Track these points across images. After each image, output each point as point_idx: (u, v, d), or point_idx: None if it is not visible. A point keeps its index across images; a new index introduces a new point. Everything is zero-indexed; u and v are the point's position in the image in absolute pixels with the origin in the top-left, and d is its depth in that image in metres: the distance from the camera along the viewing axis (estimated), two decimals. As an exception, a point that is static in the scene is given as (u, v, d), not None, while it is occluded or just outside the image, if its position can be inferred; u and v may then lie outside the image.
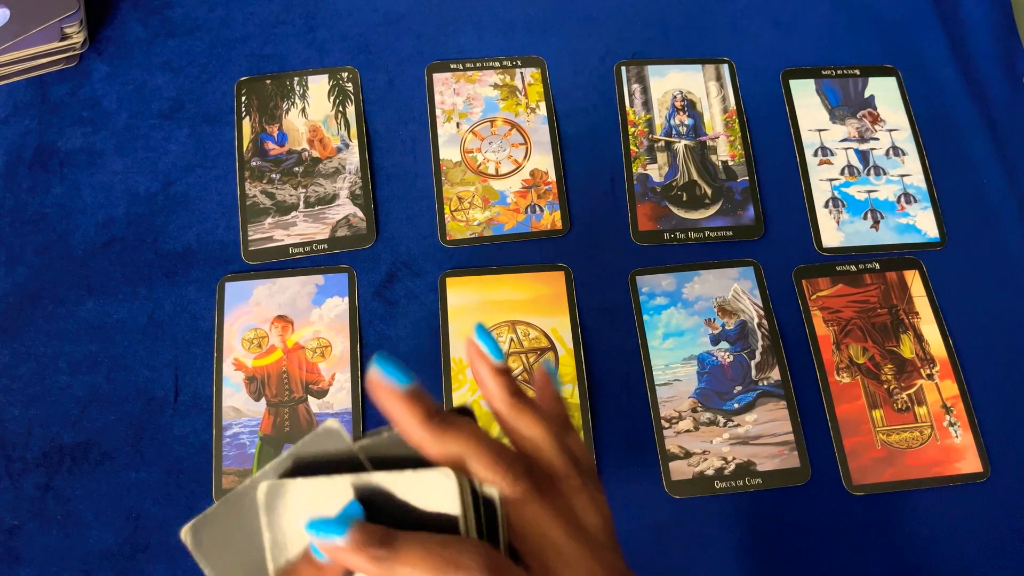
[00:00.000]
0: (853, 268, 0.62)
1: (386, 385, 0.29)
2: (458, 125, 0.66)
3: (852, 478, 0.56)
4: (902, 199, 0.65)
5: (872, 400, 0.58)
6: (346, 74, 0.67)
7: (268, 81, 0.66)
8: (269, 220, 0.62)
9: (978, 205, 0.65)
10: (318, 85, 0.66)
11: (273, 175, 0.63)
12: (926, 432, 0.57)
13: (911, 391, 0.58)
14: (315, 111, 0.66)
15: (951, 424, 0.57)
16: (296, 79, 0.66)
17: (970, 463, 0.56)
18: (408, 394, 0.28)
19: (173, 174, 0.63)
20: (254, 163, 0.63)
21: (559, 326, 0.59)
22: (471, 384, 0.57)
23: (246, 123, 0.65)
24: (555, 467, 0.30)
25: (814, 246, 0.63)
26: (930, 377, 0.59)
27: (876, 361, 0.59)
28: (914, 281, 0.61)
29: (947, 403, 0.58)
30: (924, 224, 0.64)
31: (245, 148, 0.64)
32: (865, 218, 0.64)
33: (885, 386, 0.58)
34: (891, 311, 0.61)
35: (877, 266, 0.62)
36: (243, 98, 0.66)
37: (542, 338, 0.59)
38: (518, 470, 0.28)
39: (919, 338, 0.60)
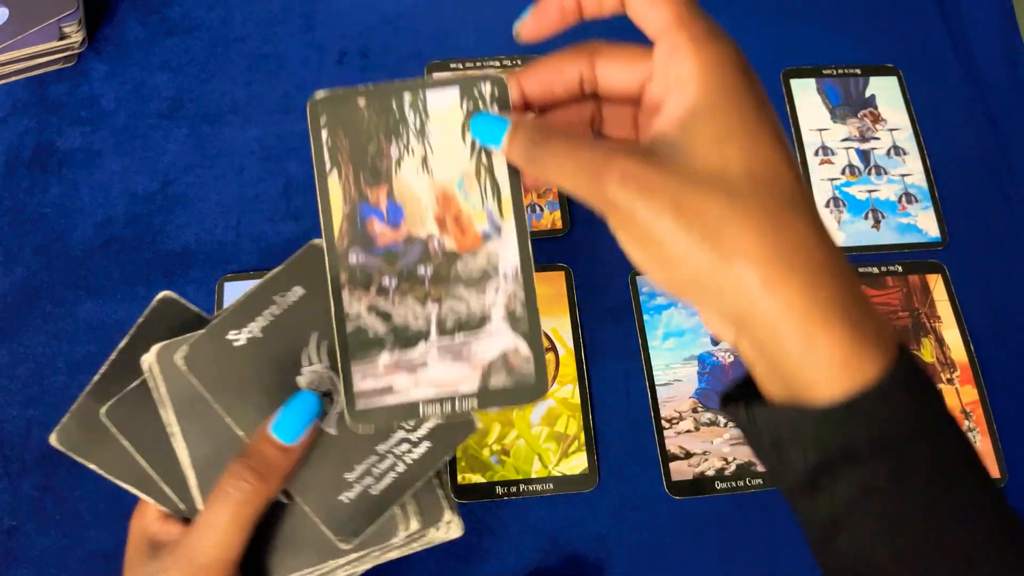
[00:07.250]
0: (875, 270, 0.62)
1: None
2: (459, 125, 0.63)
3: None
4: (903, 199, 0.65)
5: None
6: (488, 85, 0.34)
7: (361, 100, 0.33)
8: (386, 357, 0.33)
9: (979, 205, 0.65)
10: (446, 108, 0.34)
11: (386, 280, 0.34)
12: None
13: None
14: (443, 160, 0.33)
15: (970, 429, 0.57)
16: (407, 95, 0.34)
17: (988, 468, 0.56)
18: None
19: (172, 174, 0.63)
20: (353, 258, 0.33)
21: (559, 326, 0.59)
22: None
23: (333, 182, 0.33)
24: None
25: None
26: (950, 382, 0.59)
27: None
28: (936, 285, 0.61)
29: (967, 408, 0.58)
30: (925, 224, 0.64)
31: (338, 231, 0.33)
32: (866, 218, 0.64)
33: None
34: (913, 314, 0.60)
35: (900, 268, 0.62)
36: (324, 130, 0.33)
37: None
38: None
39: (940, 342, 0.60)
